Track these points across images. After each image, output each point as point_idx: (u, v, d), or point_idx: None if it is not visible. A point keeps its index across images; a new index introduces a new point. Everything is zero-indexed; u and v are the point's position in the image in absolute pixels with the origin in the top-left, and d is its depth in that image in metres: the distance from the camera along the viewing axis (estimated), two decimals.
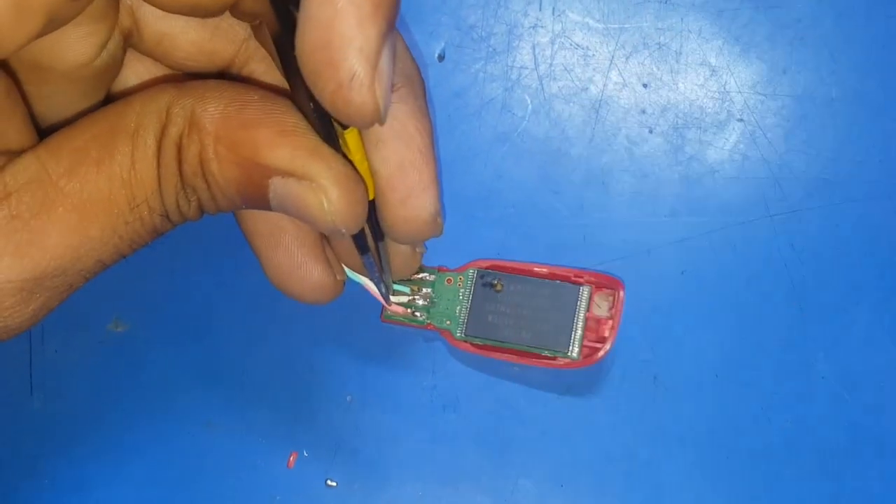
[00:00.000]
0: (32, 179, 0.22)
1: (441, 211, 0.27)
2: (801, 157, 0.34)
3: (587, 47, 0.35)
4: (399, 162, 0.26)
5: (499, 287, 0.33)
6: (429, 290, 0.34)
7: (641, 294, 0.33)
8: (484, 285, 0.33)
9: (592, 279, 0.33)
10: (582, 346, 0.32)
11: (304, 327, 0.35)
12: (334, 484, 0.34)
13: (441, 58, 0.36)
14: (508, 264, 0.34)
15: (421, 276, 0.34)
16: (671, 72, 0.35)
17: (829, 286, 0.33)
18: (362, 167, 0.25)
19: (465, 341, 0.33)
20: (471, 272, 0.34)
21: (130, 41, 0.25)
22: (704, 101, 0.34)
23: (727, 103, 0.34)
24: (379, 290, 0.31)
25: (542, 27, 0.35)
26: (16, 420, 0.36)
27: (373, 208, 0.27)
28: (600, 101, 0.35)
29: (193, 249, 0.36)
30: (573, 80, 0.35)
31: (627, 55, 0.35)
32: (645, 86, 0.35)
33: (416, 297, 0.33)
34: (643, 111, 0.35)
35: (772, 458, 0.32)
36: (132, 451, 0.35)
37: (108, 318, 0.36)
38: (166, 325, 0.36)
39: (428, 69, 0.35)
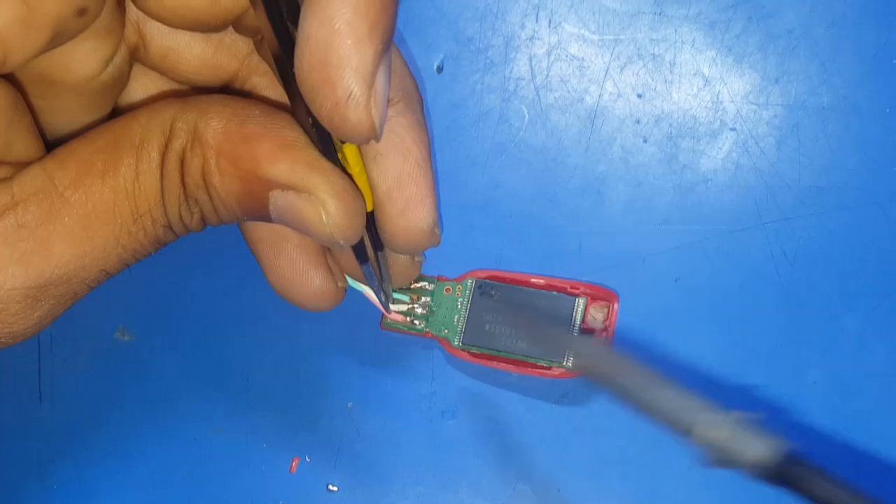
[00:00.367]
0: (39, 190, 0.22)
1: (439, 222, 0.28)
2: (793, 165, 0.34)
3: (583, 59, 0.36)
4: (397, 174, 0.26)
5: (496, 298, 0.34)
6: (428, 298, 0.34)
7: (636, 301, 0.34)
8: (481, 295, 0.34)
9: (588, 291, 0.33)
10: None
11: (306, 335, 0.36)
12: (335, 489, 0.35)
13: (439, 69, 0.36)
14: (506, 275, 0.34)
15: (420, 284, 0.34)
16: (665, 82, 0.35)
17: (821, 293, 0.33)
18: (361, 180, 0.25)
19: (463, 350, 0.34)
20: (469, 282, 0.34)
21: (137, 55, 0.26)
22: (698, 110, 0.35)
23: (720, 113, 0.35)
24: (379, 298, 0.32)
25: (538, 39, 0.36)
26: (25, 426, 0.37)
27: (372, 219, 0.27)
28: (596, 111, 0.35)
29: (198, 259, 0.37)
30: (569, 91, 0.35)
31: (622, 66, 0.35)
32: (639, 96, 0.35)
33: (416, 305, 0.34)
34: (638, 121, 0.35)
35: None
36: (138, 457, 0.36)
37: (114, 327, 0.37)
38: (171, 333, 0.37)
39: (426, 81, 0.36)
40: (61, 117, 0.25)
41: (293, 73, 0.21)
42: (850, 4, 0.35)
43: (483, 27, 0.36)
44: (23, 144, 0.23)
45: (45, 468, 0.36)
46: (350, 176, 0.25)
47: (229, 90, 0.28)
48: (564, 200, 0.35)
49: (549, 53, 0.36)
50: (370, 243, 0.29)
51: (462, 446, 0.34)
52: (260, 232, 0.29)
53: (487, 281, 0.34)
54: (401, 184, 0.26)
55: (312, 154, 0.23)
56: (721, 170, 0.34)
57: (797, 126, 0.34)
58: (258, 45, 0.27)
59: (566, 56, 0.36)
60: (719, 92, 0.35)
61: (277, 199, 0.23)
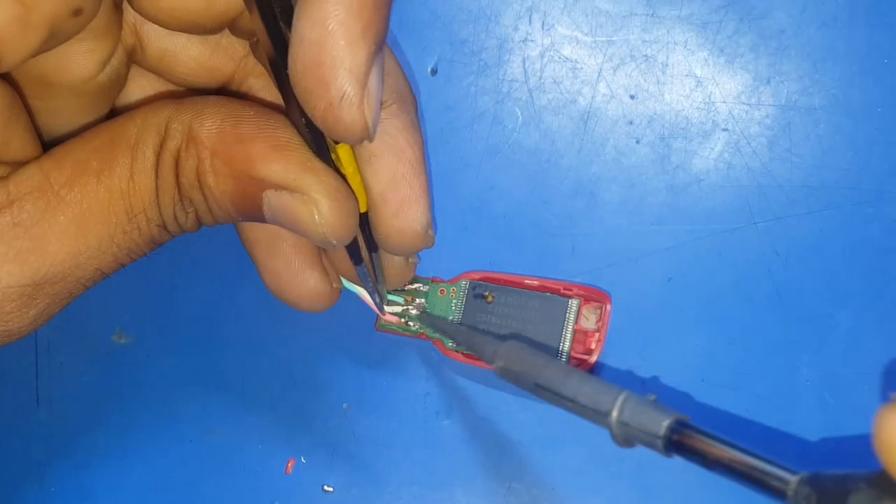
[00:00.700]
0: (35, 188, 0.22)
1: (432, 223, 0.28)
2: (784, 165, 0.34)
3: (576, 60, 0.36)
4: (391, 175, 0.26)
5: (490, 299, 0.34)
6: (422, 300, 0.34)
7: (629, 301, 0.34)
8: (476, 297, 0.34)
9: (581, 293, 0.33)
10: (570, 358, 0.33)
11: (302, 336, 0.36)
12: (331, 489, 0.35)
13: (433, 72, 0.36)
14: (500, 276, 0.34)
15: (415, 286, 0.34)
16: (657, 83, 0.35)
17: (812, 292, 0.34)
18: (355, 180, 0.26)
19: (457, 351, 0.34)
20: (463, 283, 0.34)
21: (134, 57, 0.26)
22: (690, 111, 0.35)
23: (712, 113, 0.35)
24: (373, 299, 0.32)
25: (532, 41, 0.36)
26: (23, 429, 0.37)
27: (366, 220, 0.28)
28: (589, 112, 0.36)
29: (193, 262, 0.37)
30: (562, 93, 0.36)
31: (615, 67, 0.36)
32: (632, 97, 0.35)
33: (410, 306, 0.34)
34: (630, 122, 0.35)
35: None
36: (135, 459, 0.36)
37: (111, 329, 0.37)
38: (168, 335, 0.37)
39: (420, 83, 0.36)
40: (58, 118, 0.25)
41: (287, 75, 0.21)
42: (841, 5, 0.35)
43: (477, 29, 0.36)
44: (19, 144, 0.24)
45: (42, 470, 0.36)
46: (343, 176, 0.25)
47: (226, 92, 0.28)
48: (558, 201, 0.35)
49: (542, 55, 0.36)
50: (364, 244, 0.29)
51: (456, 446, 0.34)
52: (256, 233, 0.29)
53: (481, 282, 0.34)
54: (395, 185, 0.26)
55: (306, 154, 0.23)
56: (713, 170, 0.35)
57: (789, 126, 0.35)
58: (254, 48, 0.27)
59: (559, 58, 0.36)
60: (711, 92, 0.35)
61: (271, 199, 0.23)
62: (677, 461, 0.33)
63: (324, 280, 0.30)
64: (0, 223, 0.22)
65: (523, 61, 0.36)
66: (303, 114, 0.22)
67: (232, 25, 0.25)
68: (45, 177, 0.23)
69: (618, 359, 0.34)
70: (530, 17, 0.36)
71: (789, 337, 0.33)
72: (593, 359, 0.33)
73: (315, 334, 0.36)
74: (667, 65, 0.35)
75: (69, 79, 0.24)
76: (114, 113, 0.27)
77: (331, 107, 0.21)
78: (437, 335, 0.34)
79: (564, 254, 0.35)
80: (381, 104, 0.24)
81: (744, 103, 0.35)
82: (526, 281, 0.34)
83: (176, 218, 0.24)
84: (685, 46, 0.35)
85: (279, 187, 0.23)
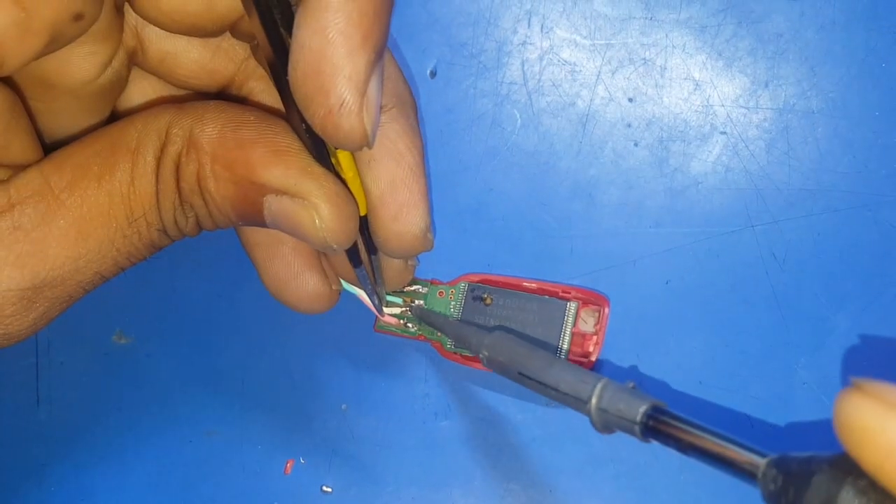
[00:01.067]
0: (35, 192, 0.22)
1: (431, 226, 0.28)
2: (782, 168, 0.35)
3: (574, 63, 0.36)
4: (390, 180, 0.26)
5: (488, 301, 0.34)
6: (421, 302, 0.34)
7: (627, 303, 0.34)
8: (474, 299, 0.34)
9: (580, 295, 0.33)
10: (567, 360, 0.33)
11: (301, 338, 0.36)
12: (330, 490, 0.35)
13: (433, 74, 0.36)
14: (498, 278, 0.34)
15: (414, 288, 0.34)
16: (656, 86, 0.35)
17: (810, 294, 0.34)
18: (354, 184, 0.26)
19: (455, 353, 0.34)
20: (462, 286, 0.34)
21: (135, 60, 0.26)
22: (688, 114, 0.35)
23: (710, 116, 0.35)
24: (372, 301, 0.32)
25: (530, 44, 0.36)
26: (23, 429, 0.37)
27: (365, 223, 0.28)
28: (587, 115, 0.36)
29: (194, 263, 0.37)
30: (561, 96, 0.36)
31: (613, 70, 0.36)
32: (630, 100, 0.36)
33: (409, 308, 0.34)
34: (629, 125, 0.35)
35: None
36: (135, 459, 0.36)
37: (111, 330, 0.37)
38: (168, 336, 0.37)
39: (419, 86, 0.36)
40: (59, 121, 0.25)
41: (287, 81, 0.21)
42: (839, 9, 0.35)
43: (476, 32, 0.36)
44: (20, 147, 0.24)
45: (42, 470, 0.36)
46: (343, 181, 0.25)
47: (226, 94, 0.28)
48: (556, 204, 0.35)
49: (541, 58, 0.36)
50: (364, 247, 0.29)
51: (455, 447, 0.34)
52: (256, 235, 0.30)
53: (480, 285, 0.34)
54: (394, 189, 0.26)
55: (306, 160, 0.24)
56: (711, 173, 0.35)
57: (787, 129, 0.35)
58: (255, 51, 0.27)
59: (558, 61, 0.36)
60: (709, 96, 0.35)
61: (271, 204, 0.23)
62: (674, 462, 0.33)
63: (323, 282, 0.30)
64: (0, 227, 0.22)
65: (522, 64, 0.36)
66: (303, 119, 0.22)
67: (233, 28, 0.25)
68: (45, 181, 0.23)
69: (616, 361, 0.34)
70: (529, 20, 0.36)
71: (787, 339, 0.33)
72: (591, 361, 0.33)
73: (314, 336, 0.36)
74: (665, 68, 0.35)
75: (70, 81, 0.24)
76: (115, 115, 0.27)
77: (330, 114, 0.21)
78: (435, 337, 0.34)
79: (563, 256, 0.35)
80: (381, 108, 0.24)
81: (742, 107, 0.35)
82: (524, 283, 0.34)
83: (176, 222, 0.24)
84: (683, 50, 0.35)
85: (280, 192, 0.23)
